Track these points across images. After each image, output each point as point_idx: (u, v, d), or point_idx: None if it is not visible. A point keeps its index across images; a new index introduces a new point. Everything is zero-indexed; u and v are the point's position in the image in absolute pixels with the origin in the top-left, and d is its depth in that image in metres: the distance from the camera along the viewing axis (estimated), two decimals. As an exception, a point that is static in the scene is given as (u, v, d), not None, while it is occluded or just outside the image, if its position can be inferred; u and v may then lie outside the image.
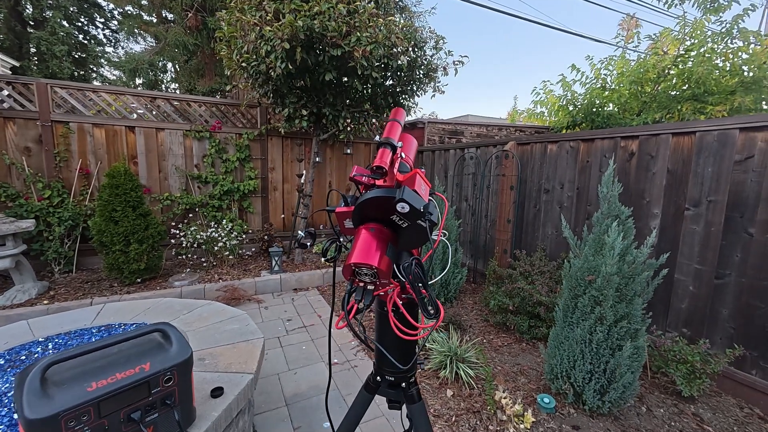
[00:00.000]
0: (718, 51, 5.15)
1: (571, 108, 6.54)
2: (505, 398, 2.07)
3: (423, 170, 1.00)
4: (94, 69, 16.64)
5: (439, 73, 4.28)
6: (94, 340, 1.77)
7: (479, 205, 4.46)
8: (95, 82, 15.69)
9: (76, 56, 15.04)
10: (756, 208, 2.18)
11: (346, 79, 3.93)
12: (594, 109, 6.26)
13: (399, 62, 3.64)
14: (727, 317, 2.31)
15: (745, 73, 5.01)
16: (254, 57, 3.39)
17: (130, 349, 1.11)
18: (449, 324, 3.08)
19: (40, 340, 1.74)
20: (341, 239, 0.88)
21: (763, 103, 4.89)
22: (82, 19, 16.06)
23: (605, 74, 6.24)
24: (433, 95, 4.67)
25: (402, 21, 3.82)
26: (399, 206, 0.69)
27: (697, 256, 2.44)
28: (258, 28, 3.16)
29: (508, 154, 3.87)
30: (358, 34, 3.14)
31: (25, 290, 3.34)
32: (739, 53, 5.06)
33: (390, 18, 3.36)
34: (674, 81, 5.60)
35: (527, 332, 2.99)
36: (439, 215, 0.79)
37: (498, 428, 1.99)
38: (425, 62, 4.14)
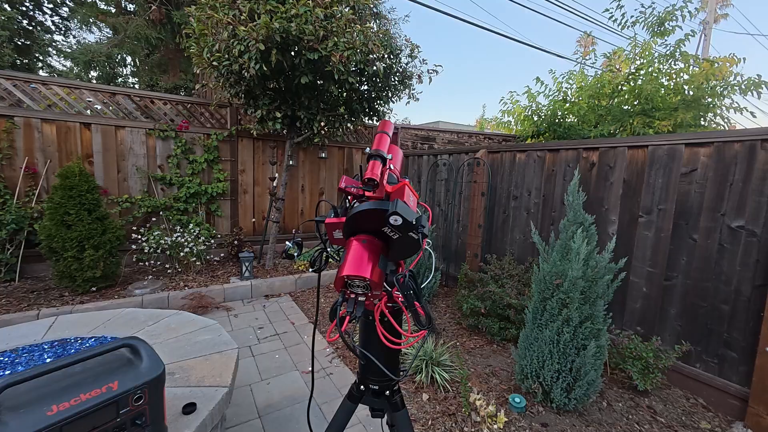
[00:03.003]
0: (664, 71, 5.66)
1: (536, 118, 6.91)
2: (479, 400, 2.13)
3: (408, 180, 1.02)
4: (41, 58, 15.29)
5: (414, 80, 4.37)
6: (46, 357, 1.62)
7: (452, 211, 4.58)
8: (41, 72, 14.42)
9: (19, 43, 13.76)
10: (699, 216, 2.41)
11: (321, 82, 3.90)
12: (556, 120, 6.65)
13: (374, 68, 3.67)
14: (675, 316, 2.54)
15: (686, 92, 5.54)
16: (226, 56, 3.29)
17: (96, 367, 1.03)
18: (424, 328, 3.12)
19: (-19, 359, 1.57)
20: (328, 249, 0.88)
21: (701, 119, 5.42)
22: (27, 4, 14.74)
23: (566, 87, 6.65)
24: (408, 102, 4.76)
25: (377, 28, 3.86)
26: (392, 219, 0.70)
27: (649, 259, 2.66)
28: (231, 27, 3.07)
29: (479, 162, 4.01)
30: (336, 39, 3.13)
31: (-42, 302, 2.99)
32: (681, 74, 5.60)
33: (367, 25, 3.38)
34: (626, 96, 6.08)
35: (498, 334, 3.10)
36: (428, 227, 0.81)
37: (472, 429, 2.05)
38: (400, 69, 4.21)
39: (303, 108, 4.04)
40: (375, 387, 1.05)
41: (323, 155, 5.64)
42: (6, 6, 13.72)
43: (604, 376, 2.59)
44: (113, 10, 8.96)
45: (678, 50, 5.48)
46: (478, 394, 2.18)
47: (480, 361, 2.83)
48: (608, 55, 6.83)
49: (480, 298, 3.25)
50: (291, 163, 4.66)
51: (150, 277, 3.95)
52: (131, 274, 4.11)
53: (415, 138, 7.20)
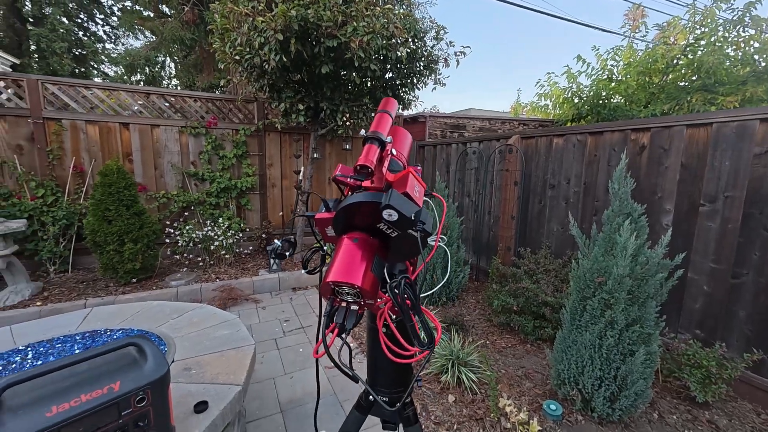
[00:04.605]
0: (730, 40, 4.97)
1: (576, 100, 6.38)
2: (509, 405, 1.97)
3: (419, 168, 0.89)
4: (95, 66, 16.52)
5: (440, 64, 4.14)
6: (77, 348, 1.68)
7: (482, 201, 4.34)
8: (96, 79, 15.56)
9: (77, 53, 14.93)
10: (777, 204, 2.05)
11: (344, 72, 3.80)
12: (600, 101, 6.09)
13: (398, 54, 3.50)
14: (744, 319, 2.20)
15: (757, 63, 4.83)
16: (248, 49, 3.27)
17: (101, 366, 1.01)
18: (451, 325, 2.98)
19: (20, 348, 1.65)
20: (324, 248, 0.78)
21: (777, 93, 4.70)
22: (82, 16, 15.92)
23: (612, 65, 6.06)
24: (434, 88, 4.54)
25: (401, 11, 3.66)
26: (386, 213, 0.58)
27: (712, 254, 2.32)
28: (251, 19, 3.04)
29: (511, 149, 3.74)
30: (355, 23, 3.00)
31: (18, 291, 3.27)
32: (751, 42, 4.88)
33: (387, 7, 3.21)
34: (683, 71, 5.43)
35: (532, 333, 2.89)
36: (436, 221, 0.68)
37: (502, 437, 1.90)
38: (426, 53, 3.99)
39: (326, 99, 3.96)
40: (384, 399, 0.95)
41: (347, 147, 5.57)
42: (63, 19, 14.91)
43: (656, 385, 2.32)
44: (152, 15, 9.40)
45: (747, 14, 4.76)
46: (508, 399, 2.02)
47: (512, 362, 2.65)
48: (662, 26, 6.12)
49: (512, 295, 3.04)
50: (316, 155, 4.63)
51: (184, 269, 4.12)
52: (169, 266, 4.31)
53: (444, 126, 6.93)
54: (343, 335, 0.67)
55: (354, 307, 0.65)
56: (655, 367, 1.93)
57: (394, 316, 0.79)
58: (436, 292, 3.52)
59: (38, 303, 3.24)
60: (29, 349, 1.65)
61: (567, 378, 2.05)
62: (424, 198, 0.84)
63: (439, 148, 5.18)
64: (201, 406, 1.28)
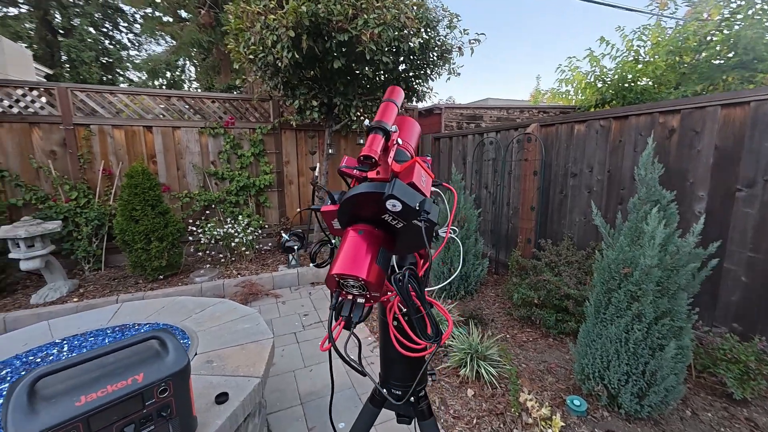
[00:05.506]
0: (771, 11, 4.58)
1: (599, 84, 6.09)
2: (530, 400, 1.93)
3: (429, 158, 0.86)
4: (120, 73, 17.23)
5: (454, 53, 4.04)
6: (107, 341, 1.77)
7: (500, 193, 4.24)
8: (122, 85, 16.21)
9: (104, 61, 15.62)
10: (825, 186, 1.89)
11: (356, 66, 3.78)
12: (626, 85, 5.78)
13: (410, 44, 3.44)
14: (788, 311, 2.05)
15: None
16: (261, 48, 3.30)
17: (126, 359, 1.05)
18: (469, 319, 2.94)
19: (57, 341, 1.76)
20: (333, 241, 0.77)
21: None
22: (107, 25, 16.60)
23: (638, 45, 5.72)
24: (448, 78, 4.44)
25: (413, 0, 3.59)
26: (389, 204, 0.56)
27: (750, 242, 2.17)
28: (263, 17, 3.06)
29: (530, 137, 3.62)
30: (365, 16, 2.97)
31: (56, 288, 3.48)
32: (797, 12, 4.49)
33: (399, -3, 3.16)
34: (718, 48, 5.06)
35: (554, 327, 2.81)
36: (447, 210, 0.66)
37: (523, 432, 1.86)
38: (439, 43, 3.91)
39: (339, 95, 3.96)
40: (398, 392, 0.94)
41: (362, 142, 5.56)
42: (91, 29, 15.59)
43: (689, 381, 2.20)
44: (170, 20, 9.66)
45: (792, -19, 4.38)
46: (529, 394, 1.98)
47: (533, 356, 2.59)
48: (693, 1, 5.73)
49: (533, 288, 2.96)
50: (331, 152, 4.65)
51: (208, 265, 4.25)
52: (193, 262, 4.46)
53: (461, 117, 6.80)
54: (351, 329, 0.66)
55: (360, 300, 0.64)
56: (688, 363, 1.83)
57: (404, 309, 0.78)
58: (449, 284, 3.47)
59: (75, 299, 3.43)
60: (65, 342, 1.75)
61: (591, 373, 1.98)
62: (435, 189, 0.82)
63: (455, 139, 5.09)
64: (222, 397, 1.32)
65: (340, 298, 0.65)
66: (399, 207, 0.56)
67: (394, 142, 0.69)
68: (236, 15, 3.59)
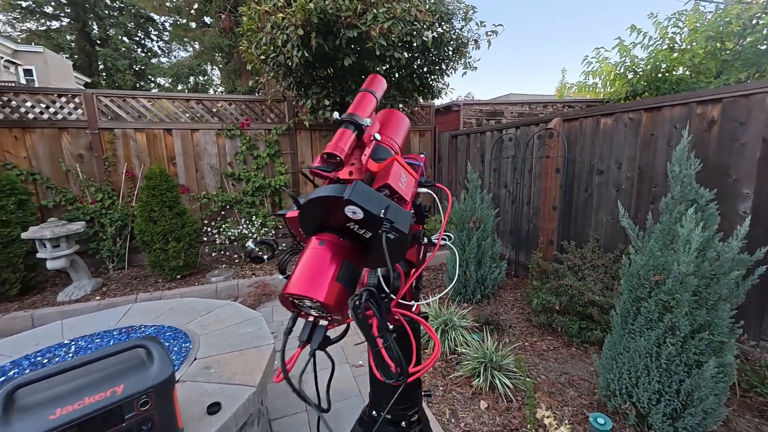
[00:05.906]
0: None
1: (630, 76, 5.72)
2: (548, 417, 1.77)
3: (423, 155, 0.76)
4: (152, 79, 18.03)
5: (470, 47, 3.88)
6: (113, 342, 1.78)
7: (520, 191, 4.04)
8: (153, 91, 16.97)
9: (137, 69, 16.41)
10: None
11: (368, 64, 3.70)
12: (659, 75, 5.40)
13: (423, 39, 3.32)
14: None
15: None
16: (272, 48, 3.29)
17: (110, 368, 1.02)
18: (485, 324, 2.80)
19: (65, 342, 1.78)
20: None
21: None
22: (140, 34, 17.43)
23: (674, 32, 5.32)
24: (464, 72, 4.27)
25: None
26: (349, 210, 0.47)
27: (806, 247, 1.91)
28: (272, 17, 3.03)
29: (552, 133, 3.41)
30: (375, 11, 2.88)
31: (81, 287, 3.61)
32: None
33: (409, -12, 3.05)
34: (765, 32, 4.62)
35: (577, 335, 2.62)
36: (443, 212, 0.56)
37: (540, 452, 1.72)
38: (454, 36, 3.76)
39: (351, 93, 3.89)
40: (388, 416, 0.85)
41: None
42: (125, 38, 16.39)
43: (732, 401, 1.98)
44: (193, 25, 9.96)
45: None
46: (547, 410, 1.83)
47: (553, 366, 2.42)
48: (736, -19, 5.26)
49: (554, 293, 2.78)
50: (345, 151, 4.59)
51: (223, 265, 4.31)
52: (210, 262, 4.54)
53: (480, 114, 6.58)
54: (311, 354, 0.57)
55: (323, 323, 0.56)
56: (731, 383, 1.63)
57: (392, 326, 0.69)
58: (464, 287, 3.33)
59: (97, 297, 3.55)
60: (72, 343, 1.77)
61: (618, 389, 1.81)
62: (427, 190, 0.72)
63: (473, 137, 4.91)
64: (214, 408, 1.27)
65: (298, 320, 0.57)
66: (360, 214, 0.47)
67: (371, 138, 0.60)
68: (249, 16, 3.60)
